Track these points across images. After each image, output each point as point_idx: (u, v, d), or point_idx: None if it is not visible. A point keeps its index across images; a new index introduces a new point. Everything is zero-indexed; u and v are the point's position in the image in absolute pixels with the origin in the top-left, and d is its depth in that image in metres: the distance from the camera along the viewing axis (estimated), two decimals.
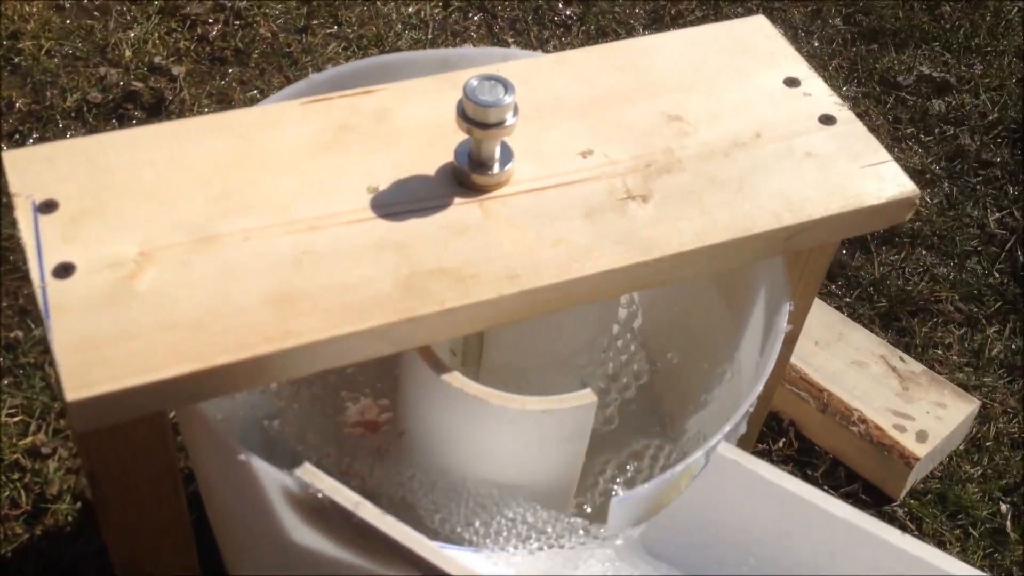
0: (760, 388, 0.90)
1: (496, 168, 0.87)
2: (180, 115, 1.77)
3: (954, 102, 1.97)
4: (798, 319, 1.07)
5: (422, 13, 2.00)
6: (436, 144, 0.90)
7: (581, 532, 0.86)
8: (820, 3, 2.15)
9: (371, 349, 0.79)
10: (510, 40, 2.03)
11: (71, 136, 1.71)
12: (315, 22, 1.94)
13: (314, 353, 0.77)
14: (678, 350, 1.16)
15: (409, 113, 0.93)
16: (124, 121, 1.75)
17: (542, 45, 2.03)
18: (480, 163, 0.87)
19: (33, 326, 1.44)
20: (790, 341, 1.11)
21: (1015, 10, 2.18)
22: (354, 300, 0.79)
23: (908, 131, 1.90)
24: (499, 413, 0.84)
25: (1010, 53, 2.08)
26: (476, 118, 0.83)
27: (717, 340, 1.09)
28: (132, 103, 1.78)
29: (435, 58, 1.07)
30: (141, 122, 1.76)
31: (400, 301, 0.79)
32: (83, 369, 0.72)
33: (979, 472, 1.44)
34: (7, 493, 1.27)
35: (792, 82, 1.00)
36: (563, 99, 0.96)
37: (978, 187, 1.83)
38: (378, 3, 2.00)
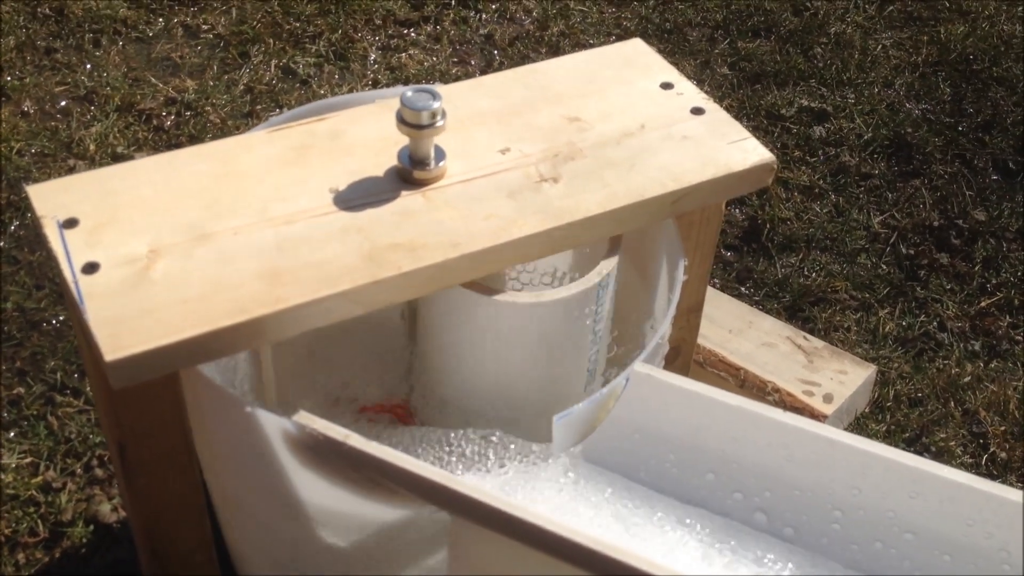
0: (668, 323, 1.09)
1: (432, 164, 1.07)
2: None
3: (833, 127, 2.22)
4: (697, 287, 1.28)
5: (354, 92, 2.22)
6: (382, 153, 1.10)
7: (533, 452, 1.04)
8: (708, 56, 2.41)
9: (345, 310, 0.98)
10: None
11: None
12: (259, 107, 2.15)
13: (300, 314, 0.96)
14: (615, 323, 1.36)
15: (357, 132, 1.13)
16: None
17: None
18: (419, 161, 1.07)
19: (32, 384, 1.60)
20: (696, 309, 1.31)
21: (879, 47, 2.46)
22: (328, 271, 0.98)
23: (795, 154, 2.15)
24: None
25: (878, 83, 2.35)
26: (412, 121, 1.03)
27: (638, 306, 1.29)
28: None
29: (372, 96, 1.28)
30: None
31: (365, 269, 0.98)
32: (116, 337, 0.90)
33: (884, 428, 1.64)
34: (26, 525, 1.42)
35: (667, 86, 1.22)
36: (482, 112, 1.17)
37: (861, 196, 2.07)
38: (313, 86, 2.22)
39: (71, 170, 1.97)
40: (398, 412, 1.24)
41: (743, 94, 2.30)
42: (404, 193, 1.07)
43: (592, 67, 1.25)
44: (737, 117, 2.21)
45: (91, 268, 0.96)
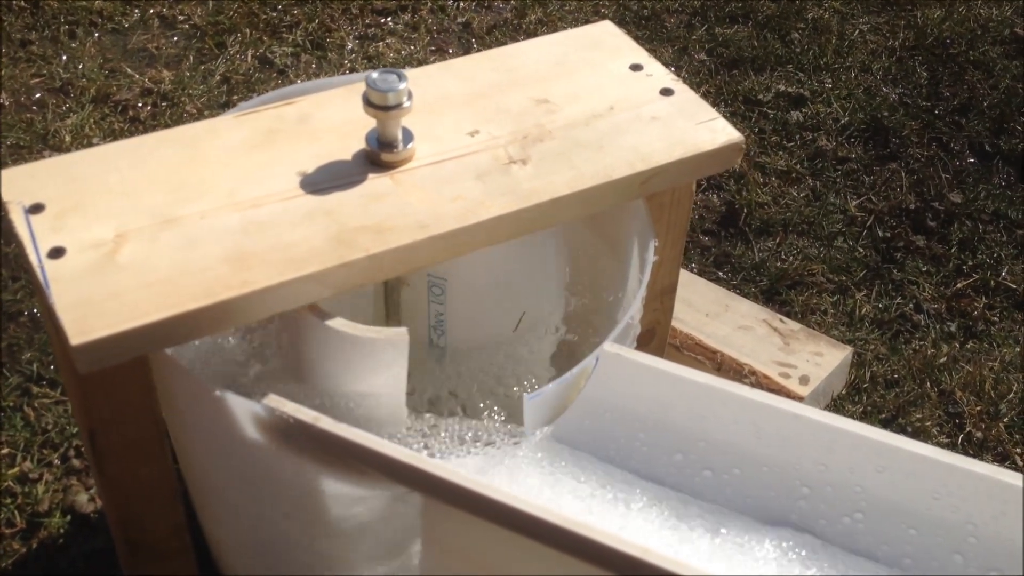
0: (639, 303, 1.09)
1: (400, 147, 1.07)
2: None
3: (810, 112, 2.22)
4: (670, 269, 1.28)
5: None
6: (350, 136, 1.10)
7: (505, 434, 1.04)
8: (685, 42, 2.41)
9: (313, 292, 0.98)
10: None
11: None
12: (235, 97, 2.14)
13: (266, 297, 0.95)
14: (587, 308, 1.36)
15: (325, 116, 1.13)
16: None
17: None
18: (387, 143, 1.07)
19: (8, 375, 1.59)
20: (669, 291, 1.31)
21: (856, 32, 2.46)
22: (295, 254, 0.97)
23: (773, 139, 2.15)
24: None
25: (855, 68, 2.35)
26: (378, 103, 1.03)
27: (612, 286, 1.29)
28: None
29: (342, 81, 1.27)
30: None
31: (333, 251, 0.98)
32: (82, 321, 0.89)
33: (860, 410, 1.65)
34: (3, 515, 1.41)
35: (636, 67, 1.22)
36: (450, 95, 1.17)
37: (838, 180, 2.07)
38: (290, 76, 2.21)
39: None
40: None
41: (720, 80, 2.30)
42: (372, 176, 1.06)
43: (561, 49, 1.25)
44: (714, 103, 2.22)
45: (57, 253, 0.96)
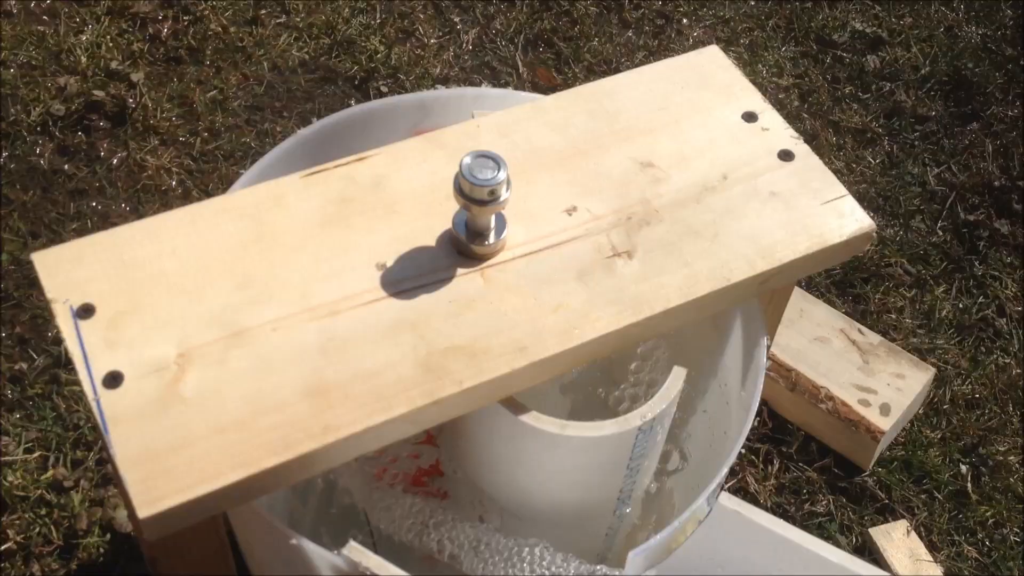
0: (748, 427, 0.99)
1: (492, 238, 0.94)
2: (144, 124, 1.80)
3: (887, 56, 2.05)
4: (770, 334, 1.16)
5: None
6: (432, 212, 0.97)
7: None
8: None
9: (399, 432, 0.87)
10: (456, 19, 2.06)
11: (39, 150, 1.73)
12: (263, 12, 1.96)
13: (350, 444, 0.85)
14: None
15: (402, 178, 0.99)
16: (90, 132, 1.78)
17: (488, 21, 2.07)
18: (477, 233, 0.94)
19: (36, 356, 1.49)
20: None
21: None
22: (380, 386, 0.86)
23: (847, 90, 1.99)
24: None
25: (936, 2, 2.17)
26: (473, 196, 0.90)
27: (710, 360, 1.18)
28: (95, 113, 1.80)
29: (413, 102, 1.14)
30: (106, 132, 1.78)
31: (422, 384, 0.87)
32: (149, 483, 0.79)
33: (938, 436, 1.56)
34: (38, 530, 1.34)
35: (750, 116, 1.08)
36: (543, 151, 1.03)
37: (916, 143, 1.93)
38: None
39: (62, 90, 1.80)
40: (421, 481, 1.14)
41: (790, 11, 2.11)
42: (460, 271, 0.94)
43: (663, 87, 1.10)
44: (785, 40, 2.04)
45: (114, 380, 0.84)
